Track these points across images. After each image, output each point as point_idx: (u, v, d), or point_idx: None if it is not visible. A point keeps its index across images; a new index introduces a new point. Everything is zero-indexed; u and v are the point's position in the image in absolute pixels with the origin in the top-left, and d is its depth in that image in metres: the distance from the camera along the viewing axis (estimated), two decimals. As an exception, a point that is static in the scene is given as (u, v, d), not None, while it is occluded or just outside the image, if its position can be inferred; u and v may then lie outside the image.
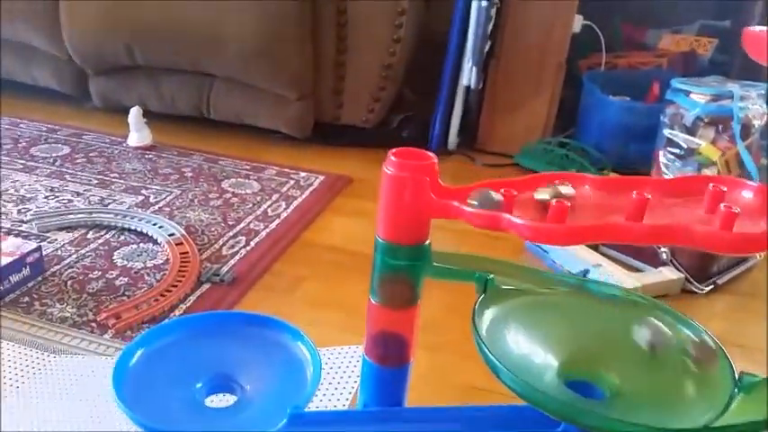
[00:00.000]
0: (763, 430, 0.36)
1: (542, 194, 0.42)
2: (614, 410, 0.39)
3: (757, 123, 1.68)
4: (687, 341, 0.44)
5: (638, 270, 1.33)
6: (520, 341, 0.44)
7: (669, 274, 1.27)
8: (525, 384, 0.39)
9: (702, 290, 1.29)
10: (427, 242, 0.45)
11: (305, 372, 0.54)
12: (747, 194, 0.41)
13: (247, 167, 1.77)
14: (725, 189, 0.40)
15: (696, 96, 1.69)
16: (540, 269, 0.50)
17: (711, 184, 0.40)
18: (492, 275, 0.48)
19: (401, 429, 0.46)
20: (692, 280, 1.28)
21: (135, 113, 1.82)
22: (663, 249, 1.30)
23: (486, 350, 0.41)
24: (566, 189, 0.42)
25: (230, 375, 0.53)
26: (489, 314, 0.46)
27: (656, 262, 1.31)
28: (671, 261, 1.29)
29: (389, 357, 0.48)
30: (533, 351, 0.43)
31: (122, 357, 0.51)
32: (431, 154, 0.44)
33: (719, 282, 1.32)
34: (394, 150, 0.43)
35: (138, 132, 1.83)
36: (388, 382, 0.49)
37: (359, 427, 0.47)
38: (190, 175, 1.69)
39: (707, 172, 1.64)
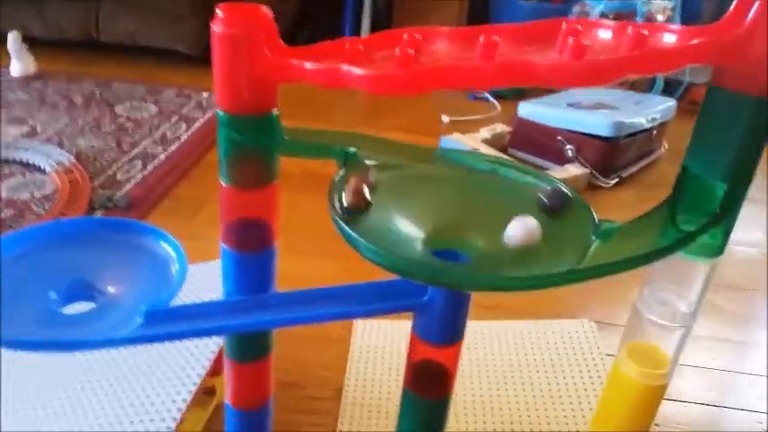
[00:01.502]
0: (617, 272, 0.35)
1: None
2: (477, 269, 0.36)
3: (660, 18, 1.68)
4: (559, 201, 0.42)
5: (545, 169, 1.33)
6: (382, 215, 0.41)
7: (574, 170, 1.28)
8: (385, 252, 0.36)
9: (608, 183, 1.30)
10: (274, 112, 0.40)
11: (169, 271, 0.50)
12: (605, 33, 0.38)
13: (143, 90, 1.66)
14: (580, 27, 0.37)
15: (601, -7, 1.68)
16: (405, 143, 0.47)
17: (564, 23, 0.37)
18: (353, 149, 0.44)
19: (268, 316, 0.43)
20: (597, 174, 1.29)
21: (13, 39, 1.66)
22: (568, 146, 1.30)
23: (343, 225, 0.38)
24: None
25: (89, 282, 0.48)
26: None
27: (562, 160, 1.31)
28: (576, 158, 1.30)
29: (249, 243, 0.44)
30: (397, 224, 0.40)
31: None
32: (265, 8, 0.39)
33: (624, 175, 1.34)
34: (221, 5, 0.38)
35: (19, 60, 1.69)
36: (250, 269, 0.45)
37: (223, 319, 0.43)
38: (80, 101, 1.57)
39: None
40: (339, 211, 0.39)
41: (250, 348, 0.49)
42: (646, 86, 1.75)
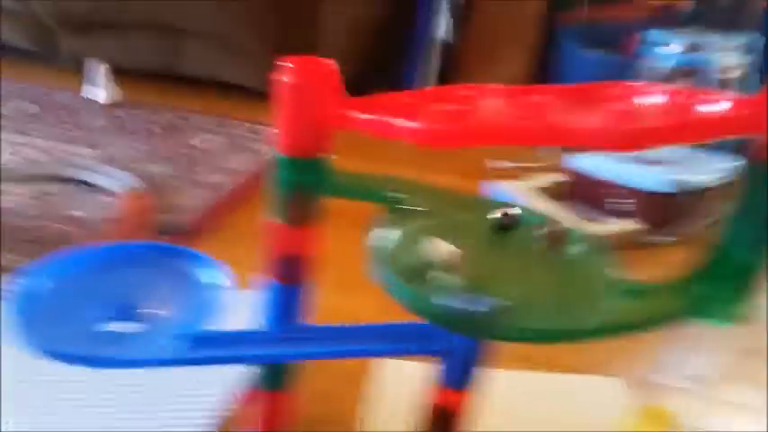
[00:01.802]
0: (641, 331, 0.35)
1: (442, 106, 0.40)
2: (506, 319, 0.38)
3: (733, 75, 1.65)
4: (586, 252, 0.43)
5: (598, 222, 1.32)
6: (418, 261, 0.43)
7: (628, 225, 1.26)
8: (415, 298, 0.38)
9: (662, 242, 1.28)
10: (328, 156, 0.43)
11: (212, 297, 0.53)
12: (659, 97, 0.39)
13: (216, 123, 1.74)
14: (630, 91, 0.38)
15: (672, 47, 1.66)
16: (454, 191, 0.49)
17: (616, 87, 0.38)
18: (397, 194, 0.46)
19: (305, 348, 0.45)
20: (651, 232, 1.27)
21: (102, 70, 1.78)
22: (625, 202, 1.29)
23: (377, 267, 0.40)
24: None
25: (135, 304, 0.52)
26: (389, 234, 0.45)
27: (618, 214, 1.30)
28: (631, 213, 1.28)
29: (291, 277, 0.47)
30: (432, 270, 0.42)
31: (20, 289, 0.49)
32: (330, 61, 0.42)
33: (681, 234, 1.31)
34: (290, 59, 0.41)
35: (105, 90, 1.80)
36: (290, 302, 0.48)
37: (258, 348, 0.46)
38: (157, 131, 1.67)
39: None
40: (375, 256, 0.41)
41: (283, 378, 0.51)
42: (715, 143, 1.71)
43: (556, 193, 1.44)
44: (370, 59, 2.02)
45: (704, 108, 0.38)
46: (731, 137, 0.35)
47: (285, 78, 0.41)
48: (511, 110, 0.40)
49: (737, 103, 0.36)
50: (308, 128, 0.41)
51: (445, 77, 1.98)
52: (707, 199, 1.34)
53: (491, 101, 0.42)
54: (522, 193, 1.36)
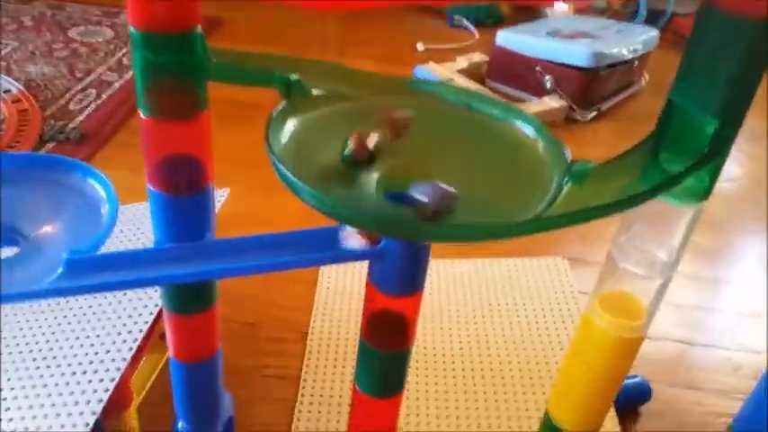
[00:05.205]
0: (591, 219, 0.30)
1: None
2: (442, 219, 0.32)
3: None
4: (520, 136, 0.37)
5: (522, 101, 1.28)
6: (330, 154, 0.36)
7: (552, 102, 1.23)
8: (330, 200, 0.31)
9: (586, 117, 1.25)
10: (197, 30, 0.35)
11: (99, 213, 0.45)
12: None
13: (99, 13, 1.55)
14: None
15: None
16: (359, 70, 0.41)
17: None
18: (297, 76, 0.38)
19: (203, 266, 0.38)
20: (575, 107, 1.24)
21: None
22: (547, 78, 1.24)
23: (282, 167, 0.33)
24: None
25: (10, 225, 0.43)
26: (292, 124, 0.38)
27: (540, 91, 1.26)
28: (555, 90, 1.24)
29: (179, 184, 0.39)
30: (349, 166, 0.35)
31: None
32: None
33: (603, 107, 1.29)
34: None
35: (-37, -23, 1.56)
36: (182, 213, 0.40)
37: (151, 268, 0.39)
38: (30, 24, 1.47)
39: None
40: (277, 152, 0.34)
41: (190, 300, 0.44)
42: (628, 16, 1.68)
43: (480, 72, 1.38)
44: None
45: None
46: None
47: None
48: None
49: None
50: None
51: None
52: (626, 71, 1.32)
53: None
54: (446, 75, 1.29)
